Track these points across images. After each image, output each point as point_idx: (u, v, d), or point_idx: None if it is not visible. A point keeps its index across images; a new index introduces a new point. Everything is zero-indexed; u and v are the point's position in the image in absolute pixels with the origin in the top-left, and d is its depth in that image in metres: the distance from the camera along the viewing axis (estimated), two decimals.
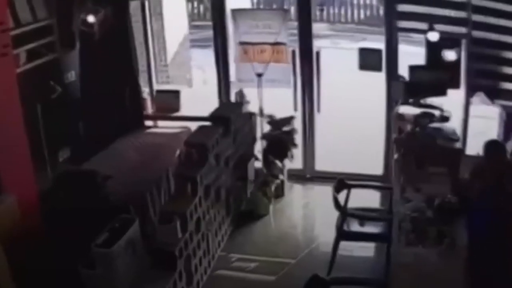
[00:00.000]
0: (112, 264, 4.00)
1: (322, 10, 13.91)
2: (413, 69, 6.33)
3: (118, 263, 4.02)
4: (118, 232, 4.19)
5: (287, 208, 6.76)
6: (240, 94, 7.10)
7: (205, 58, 9.25)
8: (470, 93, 6.47)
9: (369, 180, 6.61)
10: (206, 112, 6.43)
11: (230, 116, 6.17)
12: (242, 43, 6.98)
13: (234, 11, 7.01)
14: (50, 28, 6.45)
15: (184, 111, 8.06)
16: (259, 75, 6.92)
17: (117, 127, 6.84)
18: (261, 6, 13.49)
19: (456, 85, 6.44)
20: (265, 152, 6.83)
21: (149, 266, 4.48)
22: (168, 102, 8.26)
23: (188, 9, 11.89)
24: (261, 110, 7.03)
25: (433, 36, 6.26)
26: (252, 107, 7.05)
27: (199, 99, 8.17)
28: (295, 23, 7.15)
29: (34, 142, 5.39)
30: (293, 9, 10.14)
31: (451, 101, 6.45)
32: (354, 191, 5.54)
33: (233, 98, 7.25)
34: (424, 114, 6.29)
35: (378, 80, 6.91)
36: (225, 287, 5.39)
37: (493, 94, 6.37)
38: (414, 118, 6.22)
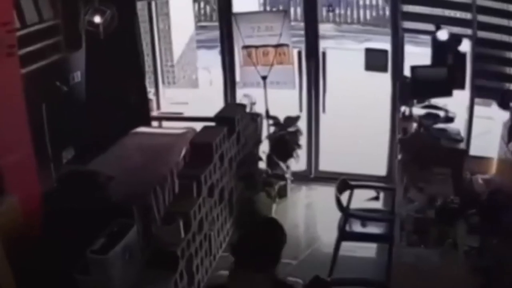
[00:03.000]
0: (108, 271, 3.96)
1: (332, 11, 13.91)
2: (415, 69, 6.32)
3: (114, 269, 3.99)
4: (115, 237, 4.17)
5: (290, 209, 6.76)
6: (248, 97, 7.15)
7: (212, 59, 9.31)
8: (474, 94, 6.44)
9: (372, 180, 6.61)
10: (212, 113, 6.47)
11: (234, 116, 6.17)
12: (245, 47, 6.99)
13: (236, 15, 7.02)
14: (56, 28, 6.49)
15: (190, 111, 8.07)
16: (264, 78, 6.93)
17: (123, 127, 6.86)
18: (268, 7, 13.53)
19: (461, 86, 6.43)
20: (270, 152, 6.83)
21: (149, 268, 4.47)
22: None
23: (194, 10, 11.93)
24: (267, 112, 7.04)
25: (443, 35, 6.24)
26: (258, 108, 7.07)
27: (206, 100, 8.19)
28: (301, 24, 7.18)
29: (39, 142, 5.43)
30: (299, 10, 10.21)
31: (456, 102, 6.44)
32: (357, 192, 5.55)
33: (239, 99, 7.29)
34: (428, 115, 6.30)
35: (383, 80, 6.91)
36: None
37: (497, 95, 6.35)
38: (419, 119, 6.22)
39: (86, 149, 6.55)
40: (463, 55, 6.33)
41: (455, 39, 6.26)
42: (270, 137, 6.98)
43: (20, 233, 4.45)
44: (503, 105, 6.21)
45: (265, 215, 6.45)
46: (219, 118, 6.26)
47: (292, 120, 6.94)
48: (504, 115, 6.14)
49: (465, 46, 6.34)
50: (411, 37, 7.02)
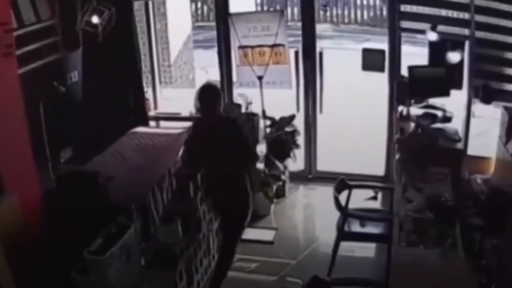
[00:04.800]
0: (105, 271, 3.96)
1: (325, 11, 13.92)
2: (413, 69, 6.32)
3: (112, 270, 3.99)
4: (113, 238, 4.15)
5: (288, 209, 6.76)
6: (243, 97, 7.16)
7: (209, 59, 9.29)
8: (472, 93, 6.45)
9: (371, 180, 6.62)
10: None
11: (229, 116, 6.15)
12: (241, 47, 6.99)
13: (232, 16, 7.01)
14: (54, 28, 6.49)
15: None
16: (260, 78, 6.92)
17: (120, 127, 6.85)
18: (265, 7, 13.54)
19: (458, 86, 6.44)
20: (267, 153, 6.83)
21: (148, 268, 4.46)
22: None
23: (191, 10, 11.91)
24: (263, 112, 7.04)
25: (432, 36, 6.25)
26: (255, 108, 7.07)
27: None
28: (299, 24, 7.18)
29: (37, 142, 5.42)
30: (296, 10, 10.20)
31: (454, 102, 6.45)
32: (355, 192, 5.56)
33: (236, 99, 7.29)
34: (426, 115, 6.31)
35: (380, 80, 6.91)
36: (226, 287, 5.38)
37: (495, 95, 6.35)
38: (416, 119, 6.23)
39: (84, 149, 6.54)
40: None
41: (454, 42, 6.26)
42: (267, 137, 6.97)
43: (20, 233, 4.44)
44: (484, 100, 6.23)
45: (264, 214, 6.51)
46: None
47: (286, 120, 6.94)
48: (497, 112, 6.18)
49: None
50: (408, 36, 7.01)
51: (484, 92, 6.27)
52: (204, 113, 4.97)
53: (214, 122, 4.93)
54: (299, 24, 7.20)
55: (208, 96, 4.94)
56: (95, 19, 6.53)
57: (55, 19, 6.48)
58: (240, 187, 4.95)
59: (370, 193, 6.56)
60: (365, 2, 14.17)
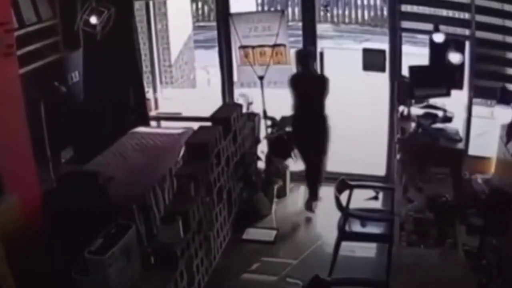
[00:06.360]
0: (106, 271, 3.96)
1: (327, 12, 13.93)
2: (413, 69, 6.31)
3: (112, 270, 3.99)
4: (114, 238, 4.15)
5: (289, 208, 6.75)
6: (244, 97, 7.16)
7: (210, 59, 9.29)
8: (473, 94, 6.44)
9: (371, 180, 6.62)
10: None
11: (230, 116, 6.16)
12: (242, 47, 6.99)
13: (233, 16, 7.01)
14: (54, 28, 6.50)
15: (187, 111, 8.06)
16: (261, 78, 6.92)
17: (121, 127, 6.86)
18: (266, 7, 13.54)
19: (459, 86, 6.43)
20: (268, 152, 6.83)
21: (148, 268, 4.46)
22: None
23: (192, 10, 11.92)
24: (264, 112, 7.04)
25: (438, 37, 6.24)
26: (256, 108, 7.07)
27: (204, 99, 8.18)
28: (299, 24, 7.18)
29: (37, 142, 5.43)
30: (297, 10, 10.19)
31: (454, 102, 6.45)
32: (356, 192, 5.56)
33: (236, 99, 7.30)
34: (427, 115, 6.31)
35: (381, 80, 6.91)
36: (227, 287, 5.38)
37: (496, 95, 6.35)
38: (417, 119, 6.22)
39: (84, 149, 6.55)
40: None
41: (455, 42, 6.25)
42: (268, 137, 6.98)
43: (20, 233, 4.44)
44: (503, 101, 6.21)
45: (265, 214, 6.51)
46: (214, 118, 6.24)
47: (287, 120, 6.93)
48: (503, 113, 6.15)
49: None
50: (409, 36, 7.01)
51: (503, 94, 6.25)
52: (300, 69, 6.45)
53: (308, 75, 6.48)
54: (300, 24, 7.18)
55: (303, 56, 6.47)
56: (93, 19, 6.55)
57: (56, 19, 6.50)
58: (323, 123, 6.47)
59: (371, 193, 6.56)
60: (365, 2, 14.16)
